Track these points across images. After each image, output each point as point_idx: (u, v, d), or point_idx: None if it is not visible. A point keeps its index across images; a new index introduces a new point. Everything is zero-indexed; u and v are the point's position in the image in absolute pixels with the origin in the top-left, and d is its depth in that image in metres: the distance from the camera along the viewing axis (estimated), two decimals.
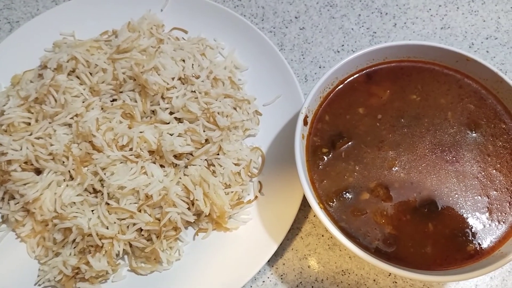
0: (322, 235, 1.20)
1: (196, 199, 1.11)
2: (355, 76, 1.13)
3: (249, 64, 1.35)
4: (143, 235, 1.11)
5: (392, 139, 1.06)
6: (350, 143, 1.06)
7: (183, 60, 1.26)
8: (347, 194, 1.02)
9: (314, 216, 1.23)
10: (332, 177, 1.03)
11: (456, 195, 1.00)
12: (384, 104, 1.09)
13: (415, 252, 0.96)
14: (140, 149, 1.14)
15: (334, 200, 1.02)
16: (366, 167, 1.03)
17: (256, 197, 1.20)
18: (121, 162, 1.13)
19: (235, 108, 1.25)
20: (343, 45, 1.43)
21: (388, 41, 1.39)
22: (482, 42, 1.44)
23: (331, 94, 1.11)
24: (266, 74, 1.32)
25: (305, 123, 1.06)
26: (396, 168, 1.03)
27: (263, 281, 1.16)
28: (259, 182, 1.21)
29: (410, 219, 0.99)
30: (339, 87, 1.12)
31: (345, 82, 1.12)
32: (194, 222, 1.16)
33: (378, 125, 1.07)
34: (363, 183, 1.02)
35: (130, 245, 1.11)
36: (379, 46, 1.11)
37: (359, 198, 1.01)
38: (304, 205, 1.19)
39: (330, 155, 1.05)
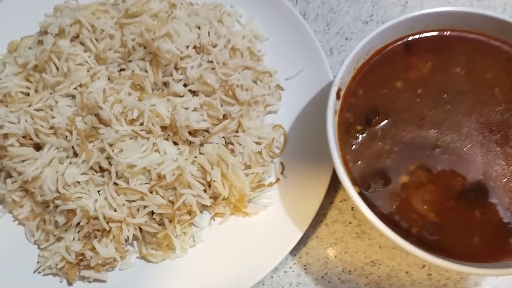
0: (350, 222, 1.12)
1: (214, 181, 1.03)
2: (392, 46, 1.03)
3: (270, 34, 1.24)
4: (154, 219, 1.04)
5: (434, 116, 0.97)
6: (387, 120, 0.97)
7: (199, 27, 1.16)
8: (384, 177, 0.93)
9: (341, 201, 1.14)
10: (367, 158, 0.95)
11: (506, 180, 0.92)
12: (425, 77, 1.00)
13: (461, 242, 0.89)
14: (152, 124, 1.05)
15: (370, 183, 0.93)
16: (405, 147, 0.95)
17: (278, 179, 1.11)
18: (130, 138, 1.05)
19: (255, 82, 1.15)
20: (371, 15, 1.33)
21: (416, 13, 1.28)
22: None
23: (366, 66, 1.01)
24: (288, 45, 1.22)
25: (338, 97, 0.96)
26: (439, 148, 0.94)
27: (285, 271, 1.09)
28: (281, 163, 1.13)
29: (455, 205, 0.91)
30: (374, 58, 1.02)
31: (382, 52, 1.02)
32: (210, 205, 1.08)
33: (418, 100, 0.98)
34: (402, 165, 0.93)
35: (140, 230, 1.05)
36: (419, 13, 1.01)
37: (397, 182, 0.92)
38: (330, 189, 1.10)
39: (365, 134, 0.96)
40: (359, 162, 0.94)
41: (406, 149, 0.94)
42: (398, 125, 0.96)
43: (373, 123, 0.96)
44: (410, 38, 1.03)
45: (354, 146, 0.95)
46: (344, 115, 0.98)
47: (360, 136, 0.96)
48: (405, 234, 0.88)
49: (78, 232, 1.02)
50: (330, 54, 1.29)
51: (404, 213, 0.90)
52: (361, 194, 0.90)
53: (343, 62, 0.95)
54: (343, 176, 0.88)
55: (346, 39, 1.30)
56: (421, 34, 1.03)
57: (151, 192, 1.02)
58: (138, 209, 1.02)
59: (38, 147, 1.06)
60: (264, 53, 1.23)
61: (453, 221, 0.90)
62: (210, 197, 1.06)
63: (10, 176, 1.06)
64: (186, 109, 1.05)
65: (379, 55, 1.02)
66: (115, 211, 1.01)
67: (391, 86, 1.00)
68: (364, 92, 0.99)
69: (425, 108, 0.97)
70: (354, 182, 0.92)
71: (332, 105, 0.93)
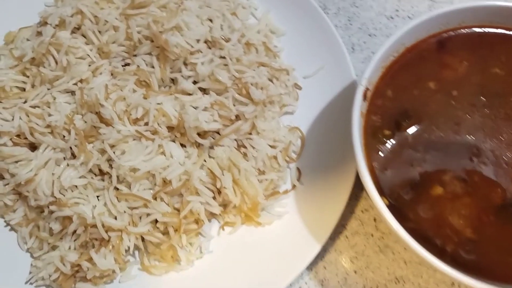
0: (372, 235, 1.03)
1: (224, 187, 0.96)
2: (424, 43, 0.94)
3: (287, 28, 1.17)
4: (158, 227, 0.97)
5: (471, 121, 0.89)
6: (418, 124, 0.89)
7: (211, 20, 1.08)
8: (415, 188, 0.85)
9: (362, 211, 1.06)
10: (396, 166, 0.87)
11: None
12: (460, 78, 0.92)
13: (500, 261, 0.81)
14: (158, 124, 0.97)
15: (399, 195, 0.84)
16: (439, 155, 0.87)
17: (294, 186, 1.03)
18: (134, 139, 0.97)
19: (270, 80, 1.07)
20: (397, 10, 1.25)
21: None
22: None
23: (395, 64, 0.93)
24: (307, 41, 1.14)
25: (364, 98, 0.88)
26: (476, 157, 0.86)
27: (300, 287, 1.00)
28: (298, 168, 1.04)
29: (494, 220, 0.83)
30: (405, 56, 0.93)
31: (413, 50, 0.93)
32: (219, 214, 1.00)
33: (453, 103, 0.90)
34: (435, 175, 0.85)
35: (143, 240, 0.97)
36: (456, 7, 0.93)
37: (430, 193, 0.84)
38: (350, 198, 1.01)
39: (394, 139, 0.88)
40: (387, 171, 0.86)
41: (439, 157, 0.86)
42: (431, 130, 0.88)
43: (403, 127, 0.88)
44: (445, 34, 0.95)
45: (381, 153, 0.87)
46: (371, 118, 0.89)
47: (389, 142, 0.88)
48: (438, 252, 0.79)
49: (75, 240, 0.96)
50: (352, 51, 1.21)
51: (437, 228, 0.82)
52: (389, 207, 0.81)
53: (371, 59, 0.89)
54: (370, 186, 0.80)
55: (370, 35, 1.23)
56: (457, 31, 0.95)
57: (155, 199, 0.95)
58: (140, 217, 0.95)
59: (33, 147, 1.00)
60: (281, 49, 1.15)
61: (492, 238, 0.82)
62: (219, 205, 0.99)
63: (2, 178, 0.99)
64: (196, 108, 0.98)
65: (410, 53, 0.94)
66: (115, 218, 0.94)
67: (423, 86, 0.92)
68: (393, 93, 0.91)
69: (461, 112, 0.89)
70: (382, 192, 0.84)
71: (358, 107, 0.86)
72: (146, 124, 0.97)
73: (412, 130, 0.88)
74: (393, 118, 0.89)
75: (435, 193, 0.84)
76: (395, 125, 0.88)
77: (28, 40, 1.10)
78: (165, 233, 0.96)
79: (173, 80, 1.04)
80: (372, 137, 0.88)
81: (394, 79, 0.92)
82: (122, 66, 1.05)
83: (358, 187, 1.01)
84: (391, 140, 0.87)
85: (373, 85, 0.90)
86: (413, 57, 0.93)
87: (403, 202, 0.83)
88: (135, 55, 1.05)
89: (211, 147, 1.01)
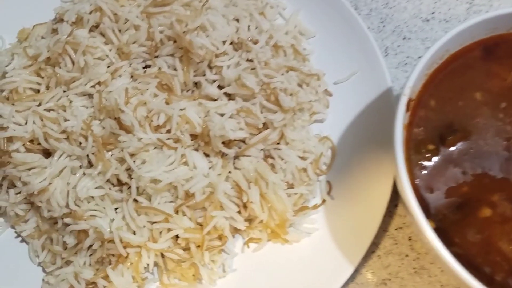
0: (406, 255, 0.97)
1: (251, 202, 0.90)
2: (470, 50, 0.87)
3: (317, 29, 1.10)
4: (179, 243, 0.91)
5: None
6: (464, 139, 0.82)
7: (237, 20, 1.02)
8: (461, 209, 0.79)
9: (396, 229, 0.99)
10: (440, 185, 0.81)
11: None
12: (509, 88, 0.86)
13: None
14: (181, 131, 0.91)
15: (446, 216, 0.78)
16: (487, 173, 0.81)
17: (324, 201, 0.97)
18: (155, 148, 0.92)
19: (300, 85, 1.01)
20: (433, 13, 1.18)
21: (490, 11, 1.12)
22: None
23: (439, 73, 0.86)
24: (338, 44, 1.08)
25: (407, 108, 0.81)
26: None
27: None
28: (328, 181, 0.98)
29: None
30: (449, 63, 0.86)
31: (458, 57, 0.86)
32: (244, 229, 0.94)
33: (501, 116, 0.84)
34: (483, 195, 0.80)
35: (162, 256, 0.92)
36: (507, 11, 0.86)
37: (477, 215, 0.78)
38: (383, 215, 0.94)
39: (438, 154, 0.81)
40: (431, 189, 0.80)
41: (488, 176, 0.80)
42: (478, 146, 0.82)
43: (448, 142, 0.82)
44: (492, 41, 0.88)
45: (425, 169, 0.81)
46: (413, 130, 0.83)
47: (433, 158, 0.81)
48: (487, 281, 0.73)
49: (90, 256, 0.91)
50: (385, 55, 1.14)
51: (485, 254, 0.76)
52: (435, 230, 0.74)
53: (413, 68, 0.81)
54: (415, 209, 0.73)
55: (404, 38, 1.16)
56: (506, 37, 0.88)
57: (177, 213, 0.89)
58: (160, 232, 0.89)
59: (47, 153, 0.96)
60: (310, 51, 1.08)
61: None
62: (244, 220, 0.93)
63: (13, 186, 0.95)
64: (221, 115, 0.92)
65: (455, 60, 0.87)
66: (134, 233, 0.89)
67: (468, 97, 0.85)
68: (437, 104, 0.85)
69: (510, 127, 0.83)
70: (427, 215, 0.76)
71: (401, 120, 0.79)
72: (168, 131, 0.92)
73: (457, 145, 0.81)
74: (437, 131, 0.83)
75: (483, 215, 0.78)
76: (439, 139, 0.82)
77: (42, 38, 1.05)
78: (186, 249, 0.91)
79: (196, 84, 0.99)
80: (415, 152, 0.81)
81: (438, 88, 0.85)
82: (143, 68, 1.00)
83: (392, 203, 0.95)
84: (435, 155, 0.81)
85: (416, 94, 0.84)
86: (458, 65, 0.86)
87: (449, 224, 0.77)
88: (156, 57, 0.99)
89: (236, 157, 0.95)
